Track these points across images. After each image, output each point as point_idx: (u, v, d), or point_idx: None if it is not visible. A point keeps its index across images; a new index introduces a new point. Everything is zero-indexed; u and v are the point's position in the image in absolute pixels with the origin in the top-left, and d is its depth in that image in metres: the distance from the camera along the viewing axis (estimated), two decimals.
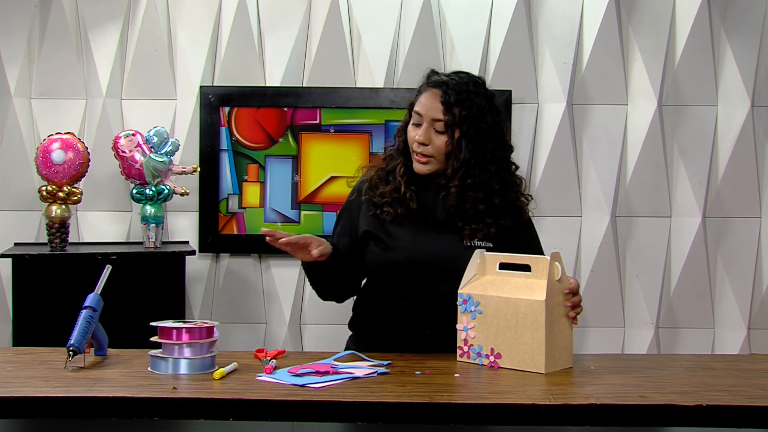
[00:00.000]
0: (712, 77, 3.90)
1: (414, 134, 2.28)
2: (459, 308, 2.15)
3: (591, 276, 3.91)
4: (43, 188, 3.50)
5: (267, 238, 2.15)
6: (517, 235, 2.31)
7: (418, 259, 2.27)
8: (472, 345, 2.12)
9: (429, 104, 2.27)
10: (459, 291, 2.15)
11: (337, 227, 2.42)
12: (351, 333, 2.45)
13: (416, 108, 2.29)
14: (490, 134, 2.28)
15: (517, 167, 2.38)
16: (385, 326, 2.33)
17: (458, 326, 2.15)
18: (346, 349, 2.27)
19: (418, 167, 2.29)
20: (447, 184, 2.28)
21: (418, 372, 2.01)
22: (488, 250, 2.22)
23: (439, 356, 2.17)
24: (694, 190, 3.90)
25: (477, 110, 2.26)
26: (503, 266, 2.15)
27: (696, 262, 3.91)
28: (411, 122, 2.31)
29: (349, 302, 2.48)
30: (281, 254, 2.31)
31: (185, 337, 2.00)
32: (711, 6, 3.88)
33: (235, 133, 3.83)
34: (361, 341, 2.35)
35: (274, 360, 2.05)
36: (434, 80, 2.31)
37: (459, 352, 2.15)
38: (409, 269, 2.28)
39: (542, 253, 2.30)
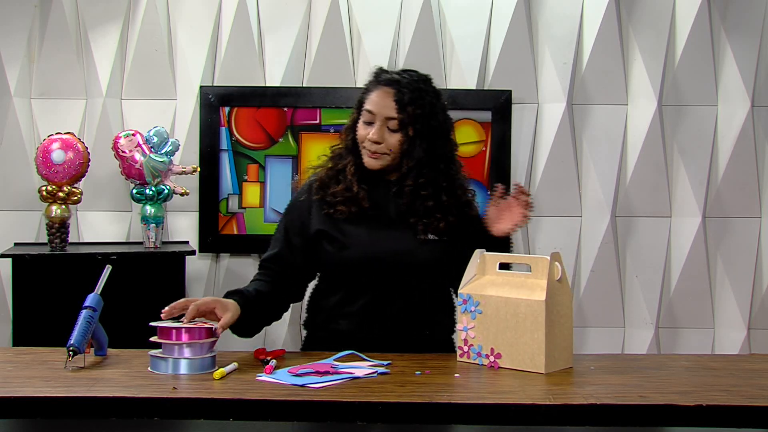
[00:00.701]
0: (712, 77, 3.91)
1: (365, 132, 2.27)
2: (459, 308, 2.15)
3: (591, 276, 3.91)
4: (43, 188, 3.50)
5: (163, 315, 2.07)
6: (464, 230, 2.33)
7: (375, 256, 2.26)
8: (472, 345, 2.12)
9: (382, 102, 2.26)
10: (459, 291, 2.15)
11: (282, 229, 2.36)
12: (306, 333, 2.43)
13: (367, 106, 2.28)
14: (440, 132, 2.30)
15: (461, 165, 2.39)
16: (346, 324, 2.31)
17: (458, 326, 2.15)
18: (303, 349, 2.29)
19: (369, 162, 2.28)
20: (401, 182, 2.29)
21: (418, 372, 2.01)
22: (442, 243, 2.27)
23: (440, 356, 2.17)
24: (694, 190, 3.90)
25: (429, 108, 2.27)
26: (502, 266, 2.16)
27: (696, 262, 3.91)
28: (361, 120, 2.29)
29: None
30: None
31: (185, 337, 2.00)
32: (711, 6, 3.88)
33: (235, 133, 3.83)
34: (319, 341, 2.34)
35: (274, 360, 2.05)
36: (385, 78, 2.29)
37: (459, 352, 2.15)
38: (366, 266, 2.27)
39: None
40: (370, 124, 2.27)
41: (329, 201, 2.31)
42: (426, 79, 2.32)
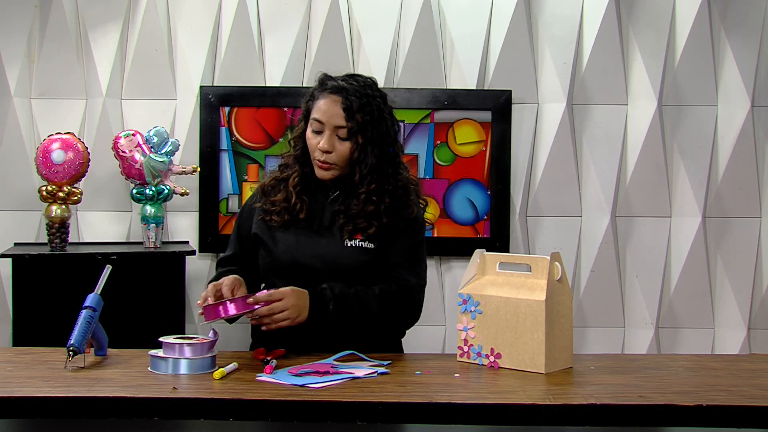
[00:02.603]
0: (712, 77, 3.91)
1: (315, 142, 2.26)
2: (459, 308, 2.15)
3: (591, 276, 3.91)
4: (43, 188, 3.50)
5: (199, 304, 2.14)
6: (396, 232, 2.30)
7: (299, 261, 2.27)
8: (472, 345, 2.12)
9: (330, 111, 2.24)
10: (459, 291, 2.16)
11: (235, 230, 2.44)
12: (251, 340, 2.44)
13: (315, 115, 2.26)
14: (388, 136, 2.29)
15: (407, 168, 2.38)
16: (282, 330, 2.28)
17: (458, 326, 2.15)
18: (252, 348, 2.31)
19: (320, 173, 2.28)
20: (345, 188, 2.30)
21: (418, 372, 2.01)
22: (369, 250, 2.26)
23: (440, 356, 2.17)
24: (694, 190, 3.90)
25: (377, 114, 2.26)
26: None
27: (696, 262, 3.91)
28: (310, 129, 2.28)
29: None
30: None
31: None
32: (711, 6, 3.88)
33: (235, 133, 3.83)
34: (261, 340, 2.32)
35: (274, 360, 2.05)
36: (331, 86, 2.27)
37: (459, 352, 2.15)
38: (291, 271, 2.28)
39: (406, 256, 2.30)
40: (319, 133, 2.26)
41: (266, 209, 2.34)
42: (372, 84, 2.31)
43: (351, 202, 2.29)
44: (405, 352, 2.40)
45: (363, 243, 2.27)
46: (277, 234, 2.32)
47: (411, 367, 2.05)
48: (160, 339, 2.05)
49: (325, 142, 2.24)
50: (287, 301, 2.13)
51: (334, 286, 2.22)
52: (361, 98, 2.24)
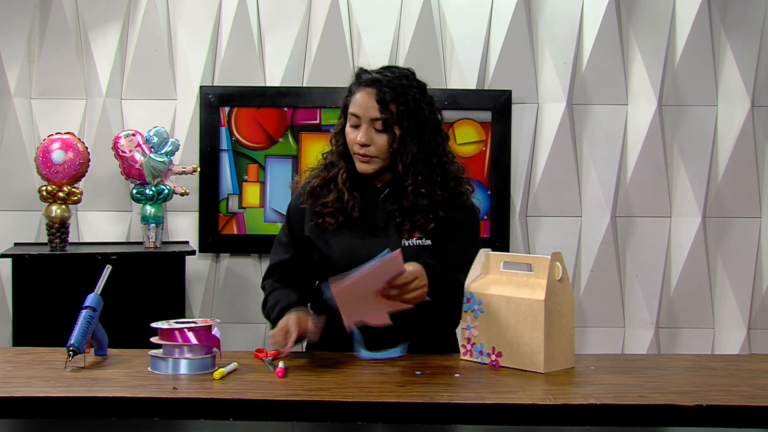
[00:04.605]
0: (712, 77, 3.91)
1: (354, 136, 2.23)
2: (463, 307, 2.15)
3: (591, 276, 3.91)
4: (43, 188, 3.50)
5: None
6: (454, 227, 2.27)
7: (355, 265, 2.14)
8: (475, 343, 2.12)
9: (365, 104, 2.22)
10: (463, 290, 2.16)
11: (288, 232, 2.36)
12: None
13: (352, 109, 2.24)
14: (428, 125, 2.25)
15: (454, 156, 2.34)
16: (338, 331, 2.23)
17: (462, 324, 2.15)
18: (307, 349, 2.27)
19: (361, 167, 2.25)
20: (396, 185, 2.26)
21: (418, 372, 2.01)
22: (427, 247, 2.22)
23: (440, 356, 2.17)
24: (694, 190, 3.90)
25: (414, 103, 2.22)
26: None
27: (696, 262, 3.91)
28: (348, 124, 2.26)
29: None
30: None
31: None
32: (711, 6, 3.88)
33: (235, 133, 3.83)
34: (323, 344, 2.28)
35: (282, 362, 2.04)
36: (366, 79, 2.25)
37: (462, 350, 2.15)
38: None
39: (469, 244, 2.26)
40: (356, 127, 2.24)
41: (318, 211, 2.29)
42: (408, 75, 2.27)
43: (402, 198, 2.25)
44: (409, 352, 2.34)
45: (420, 240, 2.24)
46: (330, 237, 2.27)
47: (411, 367, 2.05)
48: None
49: (363, 135, 2.21)
50: (420, 280, 2.09)
51: (437, 266, 2.17)
52: (395, 89, 2.21)
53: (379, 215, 2.27)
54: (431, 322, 2.24)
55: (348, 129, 2.26)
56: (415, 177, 2.23)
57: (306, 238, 2.30)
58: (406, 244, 2.22)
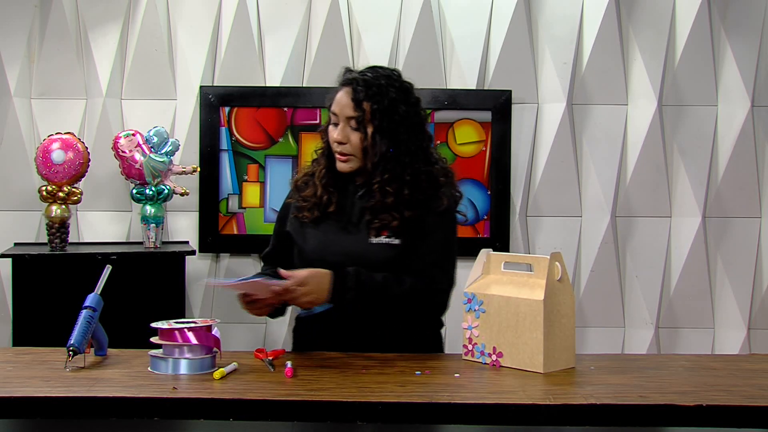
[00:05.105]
0: (712, 77, 3.91)
1: (333, 134, 2.28)
2: (464, 307, 2.15)
3: (591, 276, 3.91)
4: (43, 188, 3.50)
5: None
6: (425, 229, 2.27)
7: (327, 259, 2.25)
8: (476, 344, 2.12)
9: (341, 102, 2.27)
10: (464, 290, 2.16)
11: (277, 226, 2.46)
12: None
13: (332, 108, 2.30)
14: (403, 126, 2.26)
15: (439, 158, 2.35)
16: (315, 326, 2.34)
17: (463, 324, 2.15)
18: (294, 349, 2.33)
19: (340, 166, 2.29)
20: (367, 183, 2.29)
21: (418, 372, 2.01)
22: (395, 246, 2.23)
23: (440, 356, 2.17)
24: (694, 190, 3.90)
25: (388, 103, 2.24)
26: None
27: (696, 262, 3.91)
28: (330, 123, 2.31)
29: None
30: None
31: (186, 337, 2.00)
32: (711, 6, 3.88)
33: (235, 133, 3.83)
34: (301, 343, 2.37)
35: (289, 362, 2.04)
36: (346, 78, 2.30)
37: (464, 350, 2.15)
38: (316, 268, 2.25)
39: (437, 254, 2.27)
40: (336, 125, 2.28)
41: (298, 205, 2.36)
42: (390, 75, 2.30)
43: (373, 196, 2.28)
44: (417, 351, 2.32)
45: (389, 239, 2.25)
46: (307, 231, 2.33)
47: (411, 367, 2.05)
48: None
49: (339, 133, 2.26)
50: (307, 284, 2.14)
51: (362, 273, 2.19)
52: (371, 88, 2.24)
53: (355, 212, 2.30)
54: (383, 322, 2.26)
55: (330, 127, 2.31)
56: (383, 175, 2.25)
57: (286, 233, 2.38)
58: (374, 242, 2.25)
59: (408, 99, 2.30)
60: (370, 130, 2.24)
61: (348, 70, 2.32)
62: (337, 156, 2.28)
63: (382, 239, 2.25)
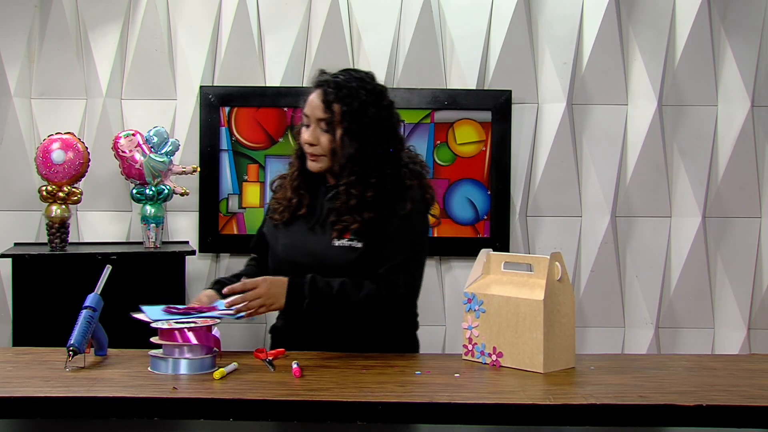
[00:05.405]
0: (712, 77, 3.91)
1: (304, 136, 2.31)
2: (464, 307, 2.15)
3: (591, 276, 3.91)
4: (43, 188, 3.50)
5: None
6: (389, 232, 2.27)
7: (295, 260, 2.30)
8: (476, 343, 2.12)
9: (312, 104, 2.30)
10: (464, 290, 2.16)
11: (263, 222, 2.54)
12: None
13: (304, 110, 2.33)
14: (373, 128, 2.27)
15: (412, 161, 2.35)
16: (282, 324, 2.41)
17: (463, 324, 2.16)
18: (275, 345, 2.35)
19: (310, 165, 2.32)
20: (337, 183, 2.31)
21: (418, 372, 2.01)
22: (356, 249, 2.24)
23: (440, 356, 2.17)
24: (694, 190, 3.90)
25: (358, 105, 2.26)
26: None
27: (696, 262, 3.91)
28: (302, 124, 2.34)
29: None
30: None
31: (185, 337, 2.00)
32: (711, 6, 3.88)
33: (235, 133, 3.83)
34: (279, 341, 2.39)
35: (296, 362, 2.04)
36: (318, 80, 2.33)
37: (464, 350, 2.16)
38: (287, 270, 2.29)
39: (403, 248, 2.27)
40: (308, 127, 2.31)
41: (272, 207, 2.41)
42: (362, 78, 2.32)
43: (339, 197, 2.30)
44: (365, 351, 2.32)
45: (351, 242, 2.26)
46: (279, 233, 2.37)
47: (411, 367, 2.05)
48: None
49: (309, 135, 2.29)
50: (259, 290, 2.17)
51: (319, 280, 2.21)
52: (341, 90, 2.26)
53: (323, 214, 2.33)
54: (354, 326, 2.28)
55: (303, 129, 2.34)
56: (349, 177, 2.27)
57: (263, 234, 2.45)
58: (336, 245, 2.27)
59: (379, 102, 2.31)
60: (339, 131, 2.26)
61: (321, 72, 2.35)
62: (308, 156, 2.31)
63: (345, 242, 2.27)
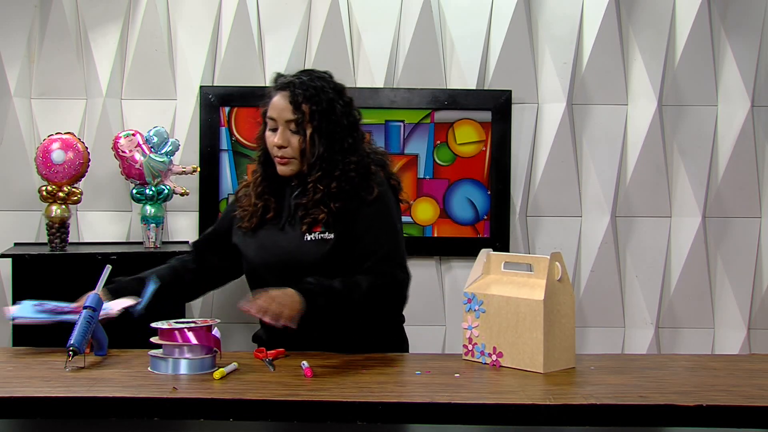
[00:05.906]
0: (712, 77, 3.91)
1: (272, 139, 2.31)
2: (464, 307, 2.15)
3: (591, 276, 3.91)
4: (43, 188, 3.50)
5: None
6: (362, 222, 2.28)
7: (269, 262, 2.31)
8: (476, 344, 2.12)
9: (279, 106, 2.29)
10: (464, 290, 2.16)
11: (218, 223, 2.53)
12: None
13: (269, 113, 2.32)
14: (340, 125, 2.30)
15: (373, 152, 2.38)
16: (261, 330, 2.42)
17: (463, 324, 2.16)
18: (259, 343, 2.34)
19: (281, 169, 2.32)
20: (303, 182, 2.31)
21: (418, 372, 2.01)
22: (328, 240, 2.24)
23: (440, 356, 2.17)
24: (694, 190, 3.90)
25: (327, 104, 2.29)
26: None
27: (696, 262, 3.91)
28: (267, 128, 2.33)
29: None
30: None
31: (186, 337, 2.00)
32: (711, 6, 3.88)
33: (235, 133, 3.83)
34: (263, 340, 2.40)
35: (305, 362, 2.03)
36: (281, 82, 2.33)
37: (464, 350, 2.16)
38: (260, 273, 2.32)
39: (384, 235, 2.27)
40: (274, 130, 2.31)
41: (239, 215, 2.40)
42: (324, 77, 2.34)
43: (307, 194, 2.31)
44: (380, 350, 2.32)
45: (322, 234, 2.27)
46: (248, 240, 2.37)
47: (411, 367, 2.05)
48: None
49: (279, 137, 2.29)
50: (267, 298, 2.10)
51: (323, 281, 2.19)
52: (308, 90, 2.28)
53: (292, 212, 2.33)
54: (344, 323, 2.26)
55: (267, 133, 2.34)
56: (317, 174, 2.28)
57: (234, 246, 2.41)
58: (308, 239, 2.27)
59: (342, 99, 2.34)
60: (309, 131, 2.27)
61: (280, 75, 2.36)
62: (277, 160, 2.31)
63: (316, 235, 2.27)
